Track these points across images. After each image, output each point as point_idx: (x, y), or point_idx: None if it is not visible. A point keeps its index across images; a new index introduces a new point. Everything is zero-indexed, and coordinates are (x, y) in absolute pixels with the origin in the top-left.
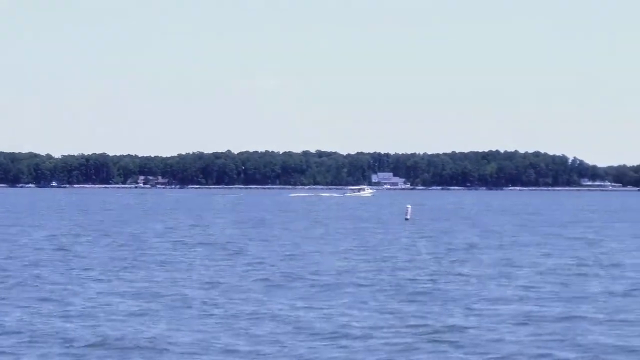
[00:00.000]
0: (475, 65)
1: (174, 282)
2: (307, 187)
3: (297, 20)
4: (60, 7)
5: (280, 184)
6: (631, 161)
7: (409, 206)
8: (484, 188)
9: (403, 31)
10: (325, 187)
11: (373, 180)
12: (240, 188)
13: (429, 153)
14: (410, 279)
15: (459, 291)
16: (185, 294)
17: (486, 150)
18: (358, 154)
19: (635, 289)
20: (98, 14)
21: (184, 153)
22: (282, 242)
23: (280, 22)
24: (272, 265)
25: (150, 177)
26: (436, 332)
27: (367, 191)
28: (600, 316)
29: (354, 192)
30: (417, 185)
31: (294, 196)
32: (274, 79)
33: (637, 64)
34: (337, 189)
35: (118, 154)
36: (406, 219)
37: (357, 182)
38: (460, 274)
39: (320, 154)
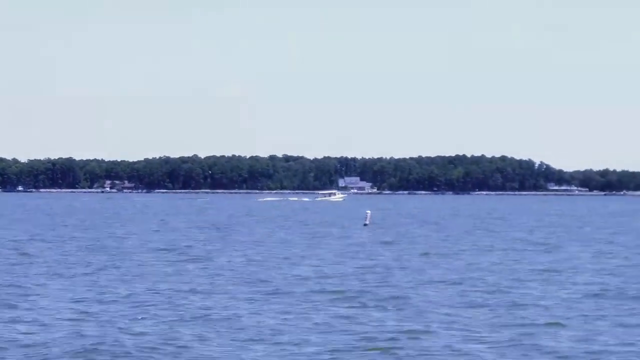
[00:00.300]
0: (441, 69)
1: (125, 287)
2: (274, 191)
3: (262, 27)
4: (27, 9)
5: (247, 188)
6: (597, 166)
7: (369, 212)
8: (451, 192)
9: (366, 35)
10: (292, 191)
11: (340, 185)
12: (207, 192)
13: (396, 157)
14: (362, 286)
15: (417, 298)
16: (134, 300)
17: (453, 155)
18: (325, 158)
19: (588, 295)
20: (61, 19)
21: (150, 157)
22: (241, 247)
23: (244, 29)
24: (231, 270)
25: (117, 182)
26: (385, 339)
27: (337, 196)
28: (550, 321)
29: (325, 196)
30: (383, 189)
31: (264, 201)
32: (241, 84)
33: (603, 69)
34: (307, 193)
35: (84, 159)
36: (365, 225)
37: (324, 187)
38: (413, 281)
39: (287, 158)
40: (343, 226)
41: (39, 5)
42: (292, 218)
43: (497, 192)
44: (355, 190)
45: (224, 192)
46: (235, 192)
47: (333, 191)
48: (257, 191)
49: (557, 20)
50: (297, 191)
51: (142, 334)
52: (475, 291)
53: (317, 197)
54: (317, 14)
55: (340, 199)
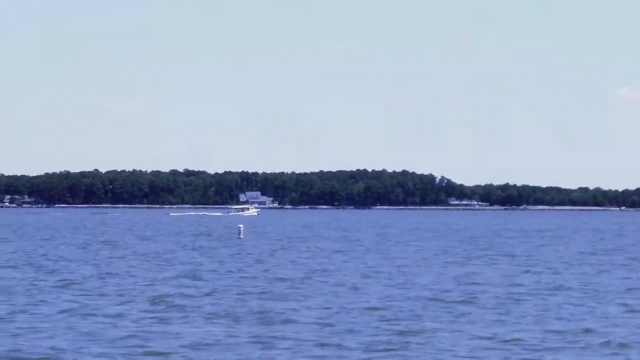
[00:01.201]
0: (345, 83)
1: None
2: (175, 206)
3: (164, 42)
4: None
5: (148, 203)
6: (497, 180)
7: (241, 226)
8: (352, 207)
9: (263, 44)
10: (193, 206)
11: (241, 200)
12: (108, 207)
13: (297, 172)
14: (218, 298)
15: (266, 313)
16: None
17: (354, 170)
18: (226, 173)
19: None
20: None
21: (50, 172)
22: (110, 262)
23: (147, 43)
24: (81, 283)
25: (17, 197)
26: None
27: (251, 210)
28: (360, 347)
29: (238, 211)
30: (285, 204)
31: (175, 215)
32: (141, 98)
33: (505, 83)
34: (218, 208)
35: None
36: (239, 238)
37: (225, 202)
38: (264, 292)
39: (188, 173)
40: (219, 240)
41: None
42: (196, 231)
43: (397, 207)
44: (257, 205)
45: (125, 207)
46: (136, 207)
47: (247, 206)
48: (158, 206)
49: (460, 33)
50: (197, 206)
51: None
52: (319, 304)
53: (230, 212)
54: (219, 30)
55: (255, 214)
